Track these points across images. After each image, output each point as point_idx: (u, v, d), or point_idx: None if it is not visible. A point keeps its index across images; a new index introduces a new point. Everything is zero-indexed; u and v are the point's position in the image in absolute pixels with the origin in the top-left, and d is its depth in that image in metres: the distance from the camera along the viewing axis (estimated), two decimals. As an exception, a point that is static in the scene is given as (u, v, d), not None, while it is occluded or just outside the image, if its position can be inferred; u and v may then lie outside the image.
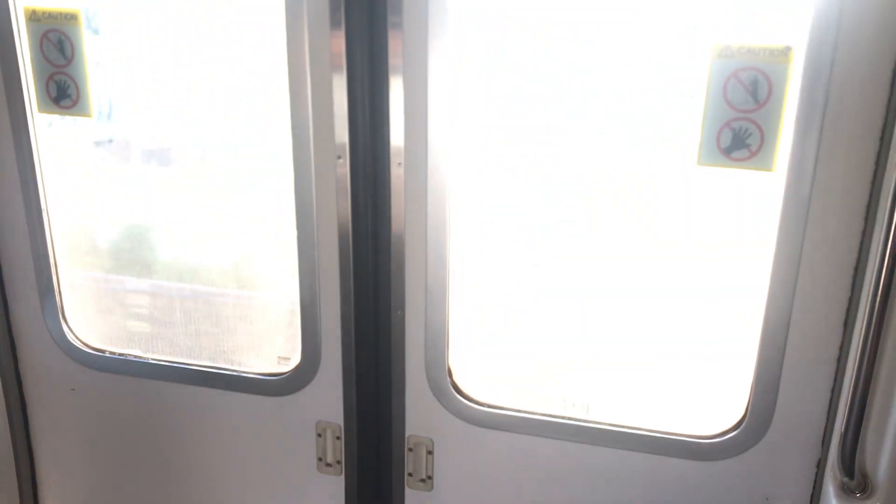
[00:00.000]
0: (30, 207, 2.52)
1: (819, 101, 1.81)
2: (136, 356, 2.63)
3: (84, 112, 2.41)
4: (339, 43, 2.10)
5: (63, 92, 2.39)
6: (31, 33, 2.36)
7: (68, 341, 2.66)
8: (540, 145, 2.15)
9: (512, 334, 2.38)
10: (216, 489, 2.69)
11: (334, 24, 2.08)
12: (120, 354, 2.64)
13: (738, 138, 1.89)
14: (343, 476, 2.52)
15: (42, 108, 2.44)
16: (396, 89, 2.12)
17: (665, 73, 1.97)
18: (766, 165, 1.89)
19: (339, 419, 2.46)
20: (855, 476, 1.87)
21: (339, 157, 2.19)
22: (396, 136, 2.16)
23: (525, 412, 2.31)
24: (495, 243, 2.31)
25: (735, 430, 2.14)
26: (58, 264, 2.60)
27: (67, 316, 2.66)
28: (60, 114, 2.43)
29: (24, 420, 2.81)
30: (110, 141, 2.49)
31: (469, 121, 2.16)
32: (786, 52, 1.82)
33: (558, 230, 2.23)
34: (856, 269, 1.92)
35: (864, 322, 1.76)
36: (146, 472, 2.76)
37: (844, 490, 1.90)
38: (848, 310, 1.95)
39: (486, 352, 2.41)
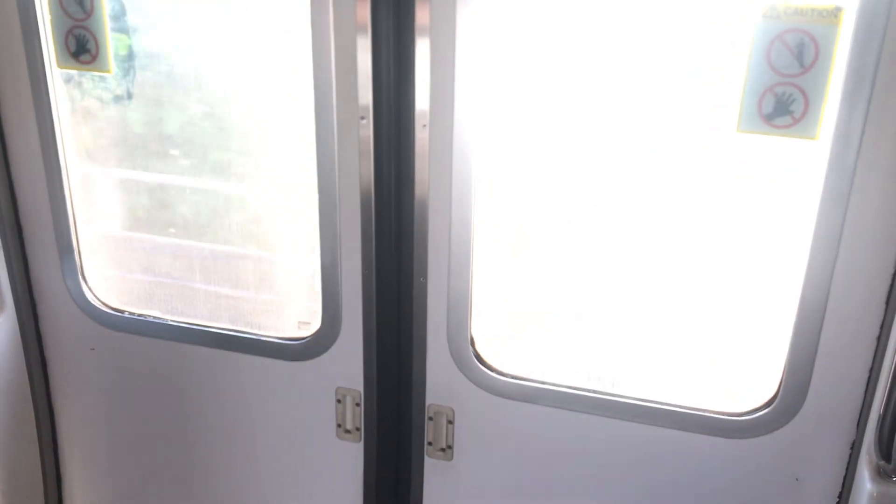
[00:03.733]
0: (49, 165, 2.48)
1: (869, 67, 1.72)
2: (155, 317, 2.61)
3: (103, 67, 2.36)
4: (365, 4, 2.03)
5: (82, 46, 2.35)
6: (51, -14, 2.31)
7: (88, 301, 2.64)
8: (569, 108, 2.07)
9: (538, 308, 2.32)
10: (234, 453, 2.68)
11: None
12: (139, 315, 2.62)
13: (782, 104, 1.79)
14: (362, 443, 2.50)
15: (61, 63, 2.39)
16: (422, 51, 2.05)
17: (707, 35, 1.87)
18: (809, 133, 1.81)
19: (359, 386, 2.42)
20: (892, 459, 1.80)
21: (363, 118, 2.12)
22: (421, 98, 2.09)
23: (548, 384, 2.26)
24: (522, 211, 2.24)
25: (766, 407, 2.08)
26: (77, 224, 2.57)
27: (87, 276, 2.63)
28: (79, 69, 2.39)
29: (44, 379, 2.81)
30: (130, 96, 2.43)
31: (497, 84, 2.08)
32: (835, 13, 1.72)
33: (589, 199, 2.15)
34: (901, 244, 1.83)
35: (908, 299, 1.69)
36: (164, 432, 2.76)
37: (880, 473, 1.84)
38: (891, 287, 1.87)
39: (511, 321, 2.35)
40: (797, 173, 1.91)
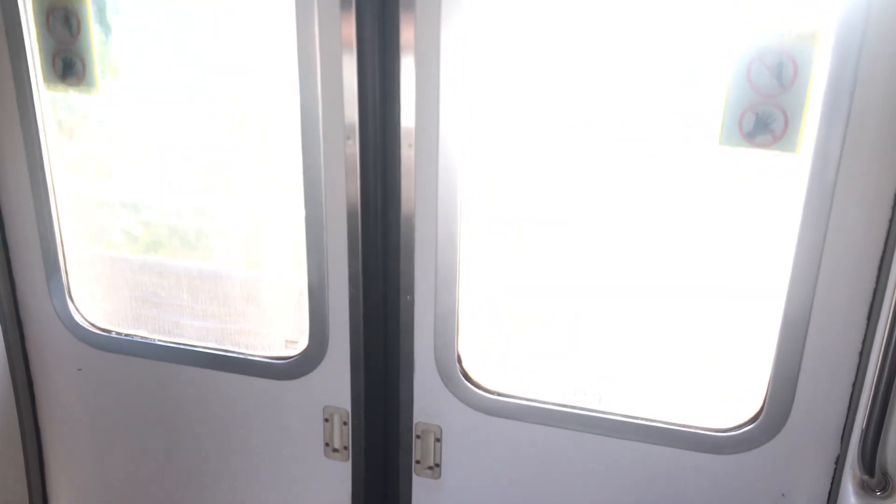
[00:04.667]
0: (36, 185, 2.49)
1: (846, 86, 1.74)
2: (142, 337, 2.61)
3: (90, 88, 2.37)
4: (350, 22, 2.05)
5: (69, 68, 2.36)
6: (38, 9, 2.31)
7: (75, 321, 2.63)
8: (552, 128, 2.09)
9: (523, 322, 2.33)
10: (222, 472, 2.67)
11: (344, 3, 2.02)
12: (126, 335, 2.62)
13: (762, 123, 1.82)
14: (350, 462, 2.49)
15: (48, 84, 2.40)
16: (407, 70, 2.06)
17: (687, 56, 1.90)
18: (789, 150, 1.83)
19: (346, 404, 2.42)
20: (875, 474, 1.81)
21: (349, 138, 2.14)
22: (407, 117, 2.10)
23: (536, 401, 2.26)
24: (507, 229, 2.25)
25: (751, 423, 2.09)
26: (64, 243, 2.57)
27: (74, 295, 2.63)
28: (66, 90, 2.39)
29: (31, 399, 2.80)
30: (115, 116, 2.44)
31: (481, 103, 2.09)
32: (813, 35, 1.75)
33: (571, 216, 2.17)
34: (881, 259, 1.85)
35: (890, 314, 1.71)
36: (152, 453, 2.74)
37: (864, 488, 1.85)
38: (872, 301, 1.89)
39: (497, 339, 2.36)
40: (781, 187, 1.93)
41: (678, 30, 1.88)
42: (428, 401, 2.35)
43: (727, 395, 2.17)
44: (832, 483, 2.07)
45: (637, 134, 2.01)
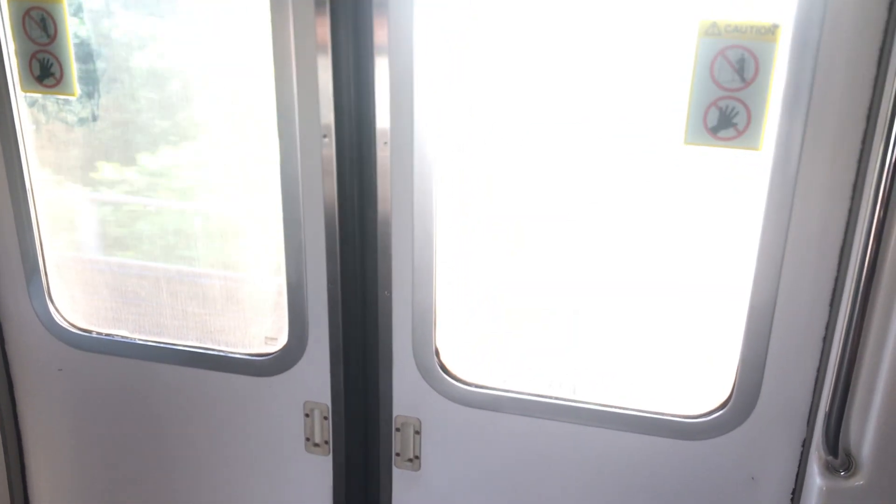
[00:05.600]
0: (14, 188, 2.50)
1: (806, 80, 1.80)
2: (122, 336, 2.62)
3: (68, 91, 2.39)
4: (324, 23, 2.08)
5: (46, 70, 2.37)
6: (13, 11, 2.32)
7: (55, 322, 2.64)
8: (526, 125, 2.13)
9: (499, 315, 2.38)
10: (204, 469, 2.70)
11: (319, 4, 2.06)
12: (107, 335, 2.63)
13: (725, 117, 1.88)
14: (331, 456, 2.53)
15: (25, 87, 2.41)
16: (382, 70, 2.10)
17: (651, 52, 1.95)
18: (752, 144, 1.89)
19: (326, 399, 2.46)
20: (839, 455, 1.88)
21: (325, 137, 2.17)
22: (382, 116, 2.14)
23: (512, 392, 2.31)
24: (482, 223, 2.29)
25: (721, 409, 2.15)
26: (43, 245, 2.58)
27: (54, 296, 2.64)
28: (44, 93, 2.41)
29: (11, 400, 2.81)
30: (94, 118, 2.46)
31: (455, 102, 2.14)
32: (773, 29, 1.81)
33: (544, 210, 2.21)
34: (842, 248, 1.91)
35: (850, 302, 1.76)
36: (133, 451, 2.76)
37: (829, 468, 1.91)
38: (834, 289, 1.95)
39: (474, 332, 2.40)
40: (744, 182, 1.99)
41: (644, 27, 1.94)
42: (407, 394, 2.39)
43: (698, 382, 2.23)
44: (799, 465, 2.13)
45: (608, 132, 2.07)
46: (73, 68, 2.36)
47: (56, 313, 2.65)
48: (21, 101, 2.44)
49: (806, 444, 2.10)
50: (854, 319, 1.76)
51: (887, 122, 1.65)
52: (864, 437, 1.85)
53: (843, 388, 1.82)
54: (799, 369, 2.05)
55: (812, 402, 2.07)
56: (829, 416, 1.86)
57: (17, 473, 2.89)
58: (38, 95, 2.43)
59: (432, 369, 2.34)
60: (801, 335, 2.02)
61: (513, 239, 2.27)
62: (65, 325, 2.65)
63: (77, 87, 2.39)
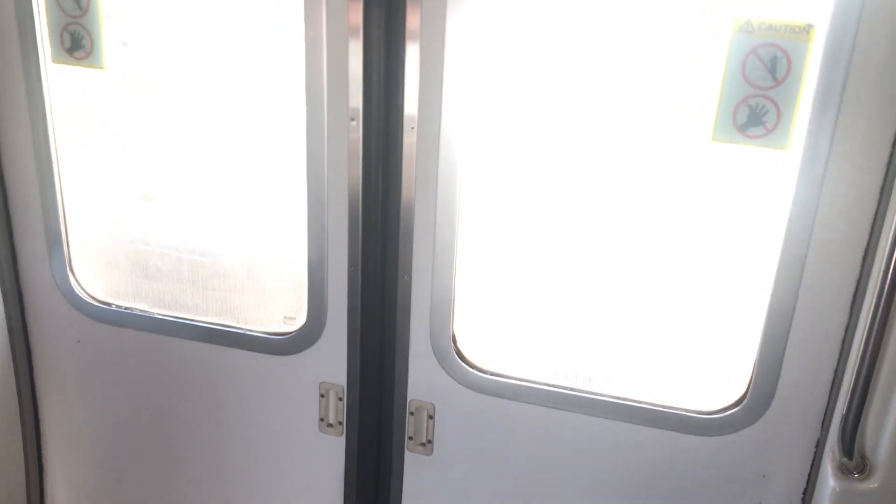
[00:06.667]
0: (41, 159, 2.52)
1: (838, 81, 1.80)
2: (141, 310, 2.64)
3: (97, 64, 2.40)
4: (357, 7, 2.09)
5: (77, 43, 2.38)
6: (47, -18, 2.34)
7: (75, 293, 2.67)
8: (554, 115, 2.14)
9: (518, 304, 2.38)
10: (218, 445, 2.72)
11: None
12: (126, 308, 2.65)
13: (755, 115, 1.87)
14: (344, 437, 2.55)
15: (56, 59, 2.43)
16: (412, 55, 2.11)
17: (684, 48, 1.95)
18: (781, 143, 1.89)
19: (342, 380, 2.47)
20: (854, 457, 1.88)
21: (353, 120, 2.18)
22: (410, 101, 2.15)
23: (527, 381, 2.32)
24: (504, 214, 2.30)
25: (736, 406, 2.15)
26: (67, 216, 2.60)
27: (75, 267, 2.67)
28: (73, 65, 2.42)
29: (29, 369, 2.84)
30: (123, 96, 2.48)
31: (484, 90, 2.14)
32: (807, 29, 1.80)
33: (568, 201, 2.22)
34: (866, 250, 1.91)
35: (872, 304, 1.76)
36: (148, 425, 2.79)
37: (843, 470, 1.91)
38: (856, 291, 1.95)
39: (491, 319, 2.41)
40: (770, 181, 1.99)
41: (678, 24, 1.94)
42: (422, 379, 2.41)
43: (714, 378, 2.23)
44: (812, 465, 2.14)
45: (634, 126, 2.07)
46: (103, 41, 2.37)
47: (76, 285, 2.67)
48: (51, 72, 2.45)
49: (820, 445, 2.11)
50: (876, 322, 1.76)
51: (919, 125, 1.66)
52: (881, 439, 1.86)
53: (861, 390, 1.82)
54: (816, 370, 2.06)
55: (828, 403, 2.07)
56: (846, 417, 1.87)
57: (32, 443, 2.92)
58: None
59: (448, 355, 2.35)
60: (819, 336, 2.03)
61: (535, 231, 2.27)
62: (85, 296, 2.67)
63: (106, 61, 2.40)
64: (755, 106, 1.87)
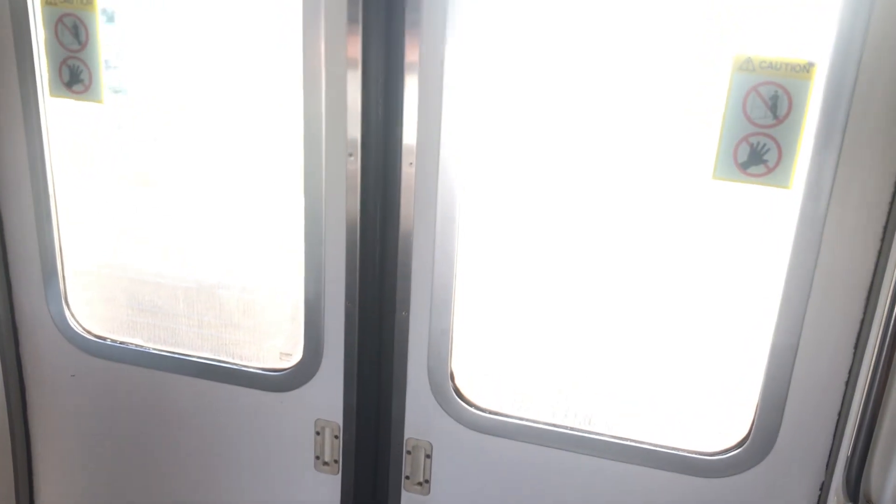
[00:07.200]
0: (37, 192, 2.51)
1: (839, 120, 1.79)
2: (137, 345, 2.62)
3: (95, 98, 2.40)
4: (356, 39, 2.08)
5: (76, 77, 2.38)
6: (47, 17, 2.34)
7: (70, 327, 2.64)
8: (553, 152, 2.12)
9: (517, 342, 2.36)
10: (212, 482, 2.68)
11: (351, 20, 2.06)
12: (121, 343, 2.63)
13: (756, 153, 1.86)
14: (340, 475, 2.51)
15: (54, 93, 2.43)
16: (411, 88, 2.10)
17: (685, 86, 1.94)
18: (782, 182, 1.87)
19: (338, 418, 2.44)
20: (859, 500, 1.84)
21: (351, 155, 2.17)
22: (409, 135, 2.14)
23: (526, 420, 2.29)
24: (503, 250, 2.28)
25: (738, 448, 2.11)
26: (63, 250, 2.58)
27: (70, 302, 2.64)
28: (72, 98, 2.42)
29: (22, 403, 2.80)
30: (119, 127, 2.47)
31: (483, 124, 2.13)
32: (808, 67, 1.79)
33: (567, 239, 2.20)
34: (869, 291, 1.89)
35: (876, 345, 1.73)
36: (142, 461, 2.75)
37: (848, 514, 1.87)
38: (860, 332, 1.93)
39: (490, 357, 2.39)
40: (771, 220, 1.97)
41: (678, 61, 1.93)
42: (420, 417, 2.37)
43: (716, 419, 2.20)
44: (816, 509, 2.10)
45: (636, 164, 2.05)
46: (102, 75, 2.37)
47: (72, 318, 2.65)
48: (49, 105, 2.45)
49: (824, 489, 2.07)
50: (880, 364, 1.72)
51: (922, 165, 1.64)
52: (886, 483, 1.81)
53: (866, 432, 1.78)
54: (820, 411, 2.02)
55: (832, 446, 2.03)
56: (850, 460, 1.83)
57: (24, 477, 2.88)
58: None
59: (446, 393, 2.32)
60: (823, 377, 2.00)
61: (535, 266, 2.25)
62: (80, 330, 2.65)
63: (105, 95, 2.40)
64: (756, 144, 1.85)
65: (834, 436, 2.03)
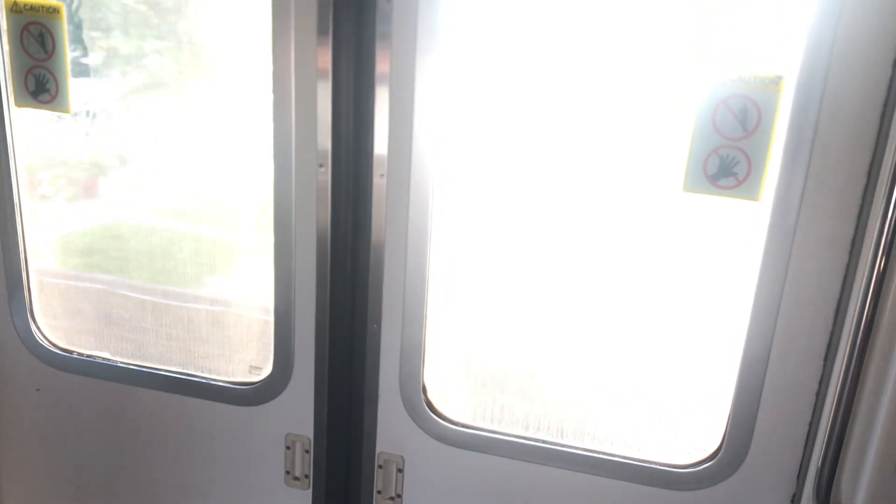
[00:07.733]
0: (2, 201, 2.46)
1: (808, 133, 1.80)
2: (104, 358, 2.57)
3: (62, 107, 2.36)
4: (326, 51, 2.07)
5: (42, 86, 2.34)
6: (12, 25, 2.30)
7: (35, 340, 2.60)
8: (525, 162, 2.12)
9: (489, 354, 2.34)
10: (181, 498, 2.63)
11: (322, 31, 2.05)
12: (88, 356, 2.58)
13: (726, 166, 1.87)
14: (311, 490, 2.47)
15: (19, 102, 2.38)
16: (382, 99, 2.09)
17: (655, 98, 1.95)
18: (752, 195, 1.87)
19: (308, 432, 2.41)
20: (830, 512, 1.85)
21: (321, 166, 2.15)
22: (380, 146, 2.12)
23: (499, 433, 2.27)
24: (476, 261, 2.27)
25: (710, 460, 2.11)
26: (28, 262, 2.54)
27: (35, 314, 2.59)
28: (38, 108, 2.38)
29: (-15, 419, 2.75)
30: (87, 134, 2.43)
31: (454, 134, 2.12)
32: (776, 81, 1.80)
33: (539, 248, 2.19)
34: (839, 302, 1.90)
35: (846, 355, 1.74)
36: (109, 477, 2.70)
37: (819, 525, 1.88)
38: (829, 343, 1.93)
39: (462, 370, 2.37)
40: (741, 233, 1.98)
41: (648, 73, 1.93)
42: (391, 431, 2.35)
43: (688, 430, 2.20)
44: (788, 521, 2.10)
45: (608, 178, 2.05)
46: (69, 85, 2.34)
47: (37, 332, 2.60)
48: (13, 115, 2.41)
49: (795, 499, 2.07)
50: (850, 374, 1.74)
51: (889, 177, 1.66)
52: (857, 493, 1.82)
53: (836, 443, 1.80)
54: (791, 423, 2.03)
55: (803, 457, 2.04)
56: (821, 471, 1.84)
57: (-14, 494, 2.82)
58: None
59: (418, 406, 2.30)
60: (794, 388, 2.00)
61: (506, 278, 2.24)
62: (45, 343, 2.60)
63: (72, 105, 2.36)
64: (726, 157, 1.86)
65: (805, 446, 2.03)
